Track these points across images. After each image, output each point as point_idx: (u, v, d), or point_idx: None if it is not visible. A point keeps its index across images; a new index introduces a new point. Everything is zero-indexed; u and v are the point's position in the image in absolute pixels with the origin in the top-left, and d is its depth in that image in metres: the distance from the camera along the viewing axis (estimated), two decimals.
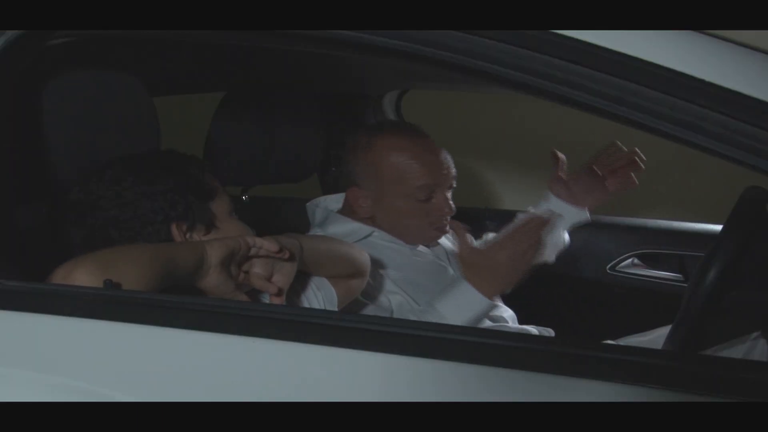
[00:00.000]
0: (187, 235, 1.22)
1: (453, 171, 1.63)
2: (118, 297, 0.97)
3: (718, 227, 1.44)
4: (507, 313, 1.72)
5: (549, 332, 1.70)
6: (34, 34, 1.09)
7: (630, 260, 1.91)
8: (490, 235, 1.58)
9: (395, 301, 1.55)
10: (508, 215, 2.06)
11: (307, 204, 1.73)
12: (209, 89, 2.05)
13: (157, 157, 1.27)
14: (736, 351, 1.39)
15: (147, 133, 1.38)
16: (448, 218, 1.63)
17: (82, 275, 0.99)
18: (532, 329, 1.69)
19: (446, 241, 1.78)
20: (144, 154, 1.28)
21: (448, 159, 1.63)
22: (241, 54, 1.58)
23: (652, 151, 2.42)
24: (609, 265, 1.91)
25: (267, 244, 1.16)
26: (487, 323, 1.64)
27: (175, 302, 0.98)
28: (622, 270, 1.91)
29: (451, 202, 1.62)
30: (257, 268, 1.17)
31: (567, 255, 1.96)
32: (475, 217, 2.07)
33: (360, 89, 2.09)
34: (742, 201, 1.19)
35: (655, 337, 1.64)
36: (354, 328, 0.93)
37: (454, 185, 1.64)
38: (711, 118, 0.84)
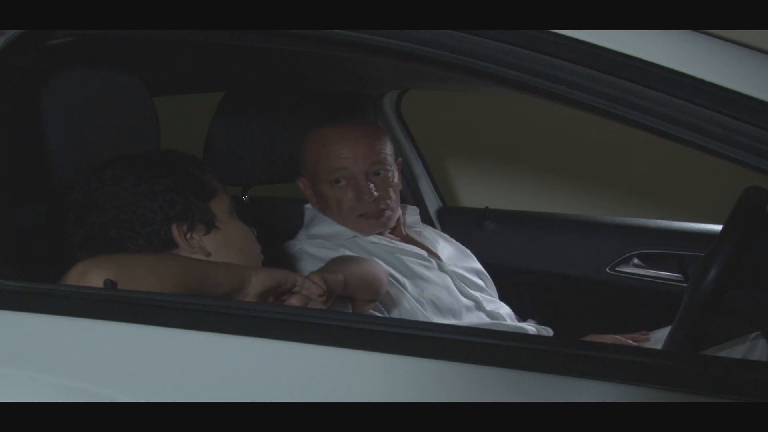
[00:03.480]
0: (187, 235, 1.22)
1: (375, 157, 1.64)
2: (118, 297, 0.97)
3: (718, 227, 1.44)
4: (504, 309, 1.72)
5: (548, 331, 1.70)
6: (34, 34, 1.09)
7: (630, 260, 1.91)
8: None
9: (392, 292, 1.56)
10: (508, 215, 2.08)
11: (305, 206, 1.75)
12: (209, 89, 2.05)
13: (157, 157, 1.27)
14: (736, 351, 1.39)
15: (147, 133, 1.38)
16: (382, 207, 1.65)
17: (95, 277, 0.99)
18: (530, 327, 1.70)
19: (434, 235, 1.79)
20: (144, 154, 1.27)
21: (366, 145, 1.65)
22: (241, 54, 1.58)
23: (652, 151, 2.42)
24: (609, 265, 1.91)
25: (315, 288, 1.15)
26: (485, 320, 1.65)
27: (175, 302, 0.98)
28: (622, 270, 1.91)
29: (371, 186, 1.63)
30: (294, 301, 1.16)
31: (567, 255, 1.96)
32: (475, 217, 2.08)
33: (360, 89, 2.09)
34: (742, 201, 1.19)
35: (657, 339, 1.65)
36: (354, 328, 0.93)
37: (380, 173, 1.65)
38: (711, 118, 0.84)
